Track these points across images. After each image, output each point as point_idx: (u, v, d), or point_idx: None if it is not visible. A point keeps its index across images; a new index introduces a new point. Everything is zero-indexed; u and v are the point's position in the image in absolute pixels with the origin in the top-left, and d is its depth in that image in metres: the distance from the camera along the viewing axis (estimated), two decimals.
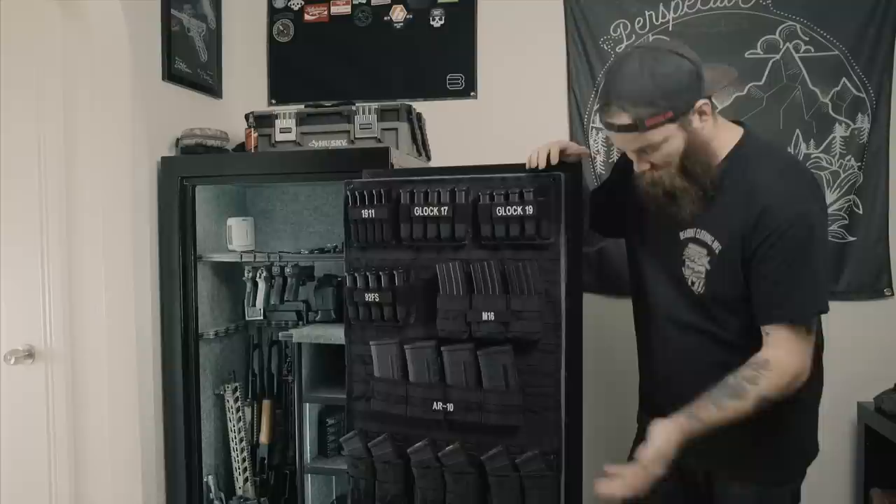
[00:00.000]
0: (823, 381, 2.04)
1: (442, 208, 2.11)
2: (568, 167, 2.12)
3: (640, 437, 2.08)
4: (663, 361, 2.06)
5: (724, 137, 1.88)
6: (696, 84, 1.77)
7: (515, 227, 2.06)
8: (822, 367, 2.01)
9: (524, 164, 2.14)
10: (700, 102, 1.78)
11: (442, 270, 2.11)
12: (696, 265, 1.89)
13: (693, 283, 1.91)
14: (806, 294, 1.79)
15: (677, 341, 1.99)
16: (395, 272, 2.16)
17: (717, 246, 1.85)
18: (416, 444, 2.16)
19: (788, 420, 1.90)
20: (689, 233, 1.90)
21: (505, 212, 2.04)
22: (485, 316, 2.06)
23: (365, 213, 2.20)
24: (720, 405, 1.76)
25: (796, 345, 1.79)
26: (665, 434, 1.75)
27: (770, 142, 2.03)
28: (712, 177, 1.84)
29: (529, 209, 2.04)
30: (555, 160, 2.08)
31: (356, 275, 2.21)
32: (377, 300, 2.17)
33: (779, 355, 1.78)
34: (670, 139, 1.78)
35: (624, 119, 1.78)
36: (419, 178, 2.23)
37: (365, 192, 2.21)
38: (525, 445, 2.12)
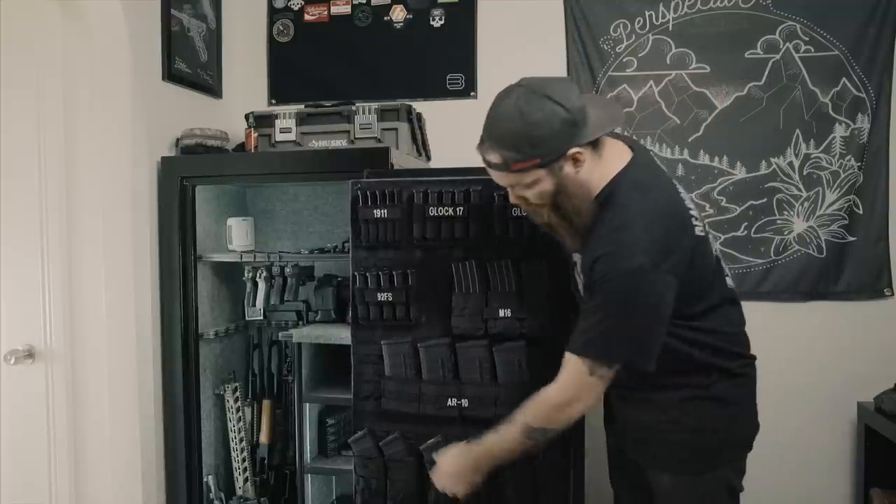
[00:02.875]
0: (741, 374, 1.95)
1: (457, 208, 2.14)
2: None
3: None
4: None
5: (605, 170, 1.81)
6: (570, 131, 1.71)
7: (529, 227, 2.07)
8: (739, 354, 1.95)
9: None
10: (573, 150, 1.72)
11: (458, 269, 2.13)
12: (580, 281, 1.90)
13: (582, 295, 1.91)
14: (603, 340, 1.74)
15: None
16: (408, 271, 2.18)
17: (580, 267, 1.85)
18: (430, 441, 2.18)
19: (694, 416, 1.87)
20: (575, 255, 1.90)
21: (521, 212, 2.04)
22: (501, 313, 2.10)
23: (377, 213, 2.21)
24: (498, 430, 1.88)
25: (573, 378, 1.77)
26: (450, 459, 1.97)
27: (647, 179, 1.85)
28: (584, 218, 1.80)
29: None
30: None
31: (367, 274, 2.22)
32: (390, 299, 2.19)
33: (549, 388, 1.80)
34: (540, 181, 1.75)
35: (494, 157, 1.75)
36: (431, 178, 2.25)
37: (377, 192, 2.22)
38: None
